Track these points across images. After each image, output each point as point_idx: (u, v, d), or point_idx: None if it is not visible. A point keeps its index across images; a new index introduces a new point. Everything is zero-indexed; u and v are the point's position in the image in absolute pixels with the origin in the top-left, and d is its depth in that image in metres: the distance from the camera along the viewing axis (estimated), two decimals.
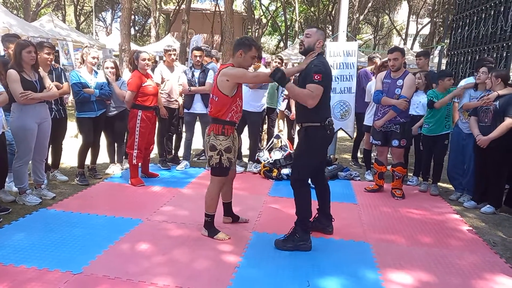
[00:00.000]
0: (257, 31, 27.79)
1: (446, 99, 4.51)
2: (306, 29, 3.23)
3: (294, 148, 3.82)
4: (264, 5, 30.87)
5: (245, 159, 5.78)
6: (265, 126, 6.13)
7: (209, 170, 3.28)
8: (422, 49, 15.88)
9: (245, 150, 5.90)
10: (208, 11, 26.96)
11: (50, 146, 4.46)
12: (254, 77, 3.48)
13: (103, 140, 5.06)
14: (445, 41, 15.50)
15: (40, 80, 3.81)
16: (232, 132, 3.20)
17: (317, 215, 3.50)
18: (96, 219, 3.60)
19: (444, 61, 12.34)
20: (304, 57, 3.19)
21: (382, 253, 3.17)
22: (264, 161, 5.45)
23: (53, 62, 4.38)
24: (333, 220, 3.49)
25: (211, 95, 3.20)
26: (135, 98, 4.49)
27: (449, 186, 5.09)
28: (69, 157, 5.36)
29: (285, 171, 5.14)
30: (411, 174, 5.32)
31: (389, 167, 4.94)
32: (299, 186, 3.17)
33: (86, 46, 5.07)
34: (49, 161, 4.69)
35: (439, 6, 25.99)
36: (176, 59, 5.65)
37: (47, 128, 3.95)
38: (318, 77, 2.96)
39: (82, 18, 32.53)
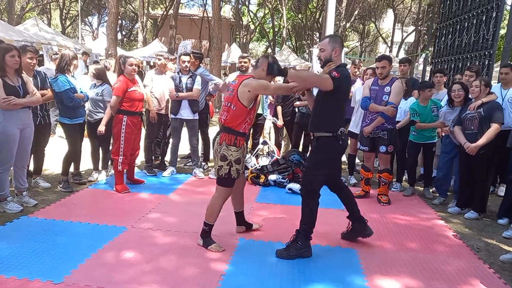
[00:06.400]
0: (245, 37, 27.87)
1: (428, 125, 4.73)
2: (319, 43, 3.19)
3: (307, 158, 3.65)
4: (252, 12, 31.05)
5: None
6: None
7: (214, 179, 3.26)
8: (406, 56, 16.15)
9: None
10: (196, 17, 26.98)
11: (32, 152, 4.35)
12: (277, 89, 3.61)
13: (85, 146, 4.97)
14: (429, 49, 15.80)
15: (23, 85, 3.72)
16: (243, 144, 3.19)
17: (350, 224, 3.48)
18: (79, 227, 3.52)
19: (428, 68, 12.57)
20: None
21: (368, 259, 3.18)
22: (251, 167, 5.43)
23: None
24: (366, 221, 3.46)
25: (227, 103, 3.14)
26: (120, 103, 4.44)
27: (430, 191, 5.17)
28: (52, 164, 5.25)
29: (272, 177, 5.13)
30: (395, 180, 5.37)
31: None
32: (310, 197, 3.13)
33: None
34: (31, 168, 4.59)
35: (424, 15, 26.56)
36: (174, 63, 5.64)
37: (29, 134, 3.87)
38: (336, 74, 2.92)
39: (68, 22, 32.14)
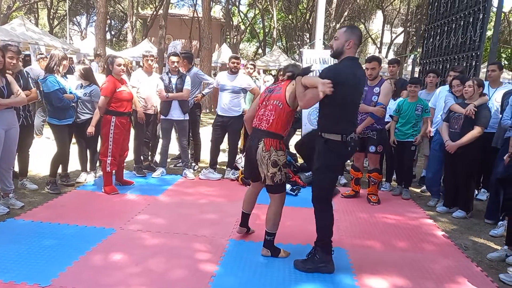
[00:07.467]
0: (235, 37, 27.82)
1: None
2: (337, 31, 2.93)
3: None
4: (242, 12, 31.03)
5: (223, 166, 5.74)
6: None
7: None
8: (395, 57, 16.24)
9: (221, 157, 5.87)
10: (186, 17, 26.85)
11: (16, 153, 4.28)
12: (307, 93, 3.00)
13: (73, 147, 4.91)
14: (418, 50, 15.98)
15: (7, 86, 3.66)
16: (284, 147, 3.15)
17: None
18: (66, 229, 3.47)
19: (417, 69, 12.71)
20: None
21: (358, 259, 3.19)
22: (242, 167, 5.41)
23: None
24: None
25: (274, 101, 3.00)
26: (108, 104, 4.38)
27: (418, 191, 5.23)
28: (39, 165, 5.17)
29: None
30: (384, 180, 5.41)
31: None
32: (318, 203, 2.96)
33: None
34: (16, 169, 4.51)
35: (412, 16, 26.84)
36: (165, 65, 5.56)
37: (14, 135, 3.80)
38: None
39: (55, 22, 31.73)
